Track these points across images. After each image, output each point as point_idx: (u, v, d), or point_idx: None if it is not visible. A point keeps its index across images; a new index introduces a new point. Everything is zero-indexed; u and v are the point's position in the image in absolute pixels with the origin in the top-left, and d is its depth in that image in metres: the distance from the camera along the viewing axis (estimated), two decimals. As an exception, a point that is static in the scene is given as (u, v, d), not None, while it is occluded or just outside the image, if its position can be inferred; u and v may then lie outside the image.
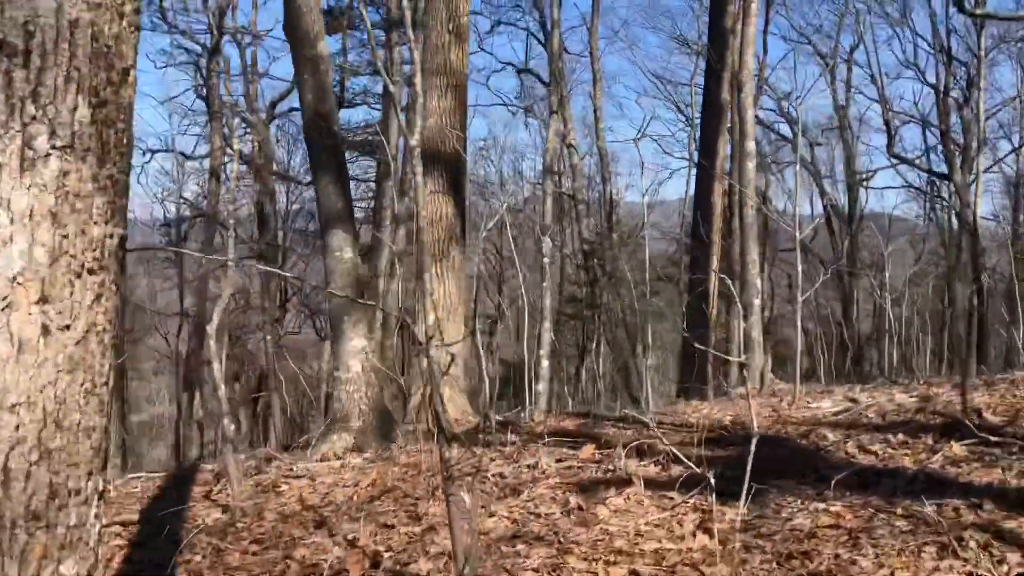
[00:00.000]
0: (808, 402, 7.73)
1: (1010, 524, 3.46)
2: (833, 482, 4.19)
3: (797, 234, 9.46)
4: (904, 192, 30.57)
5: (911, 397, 7.06)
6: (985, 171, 24.66)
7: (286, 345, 22.44)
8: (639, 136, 27.11)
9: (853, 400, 7.50)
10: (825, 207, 28.72)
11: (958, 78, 24.69)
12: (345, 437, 7.18)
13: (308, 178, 19.56)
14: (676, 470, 4.93)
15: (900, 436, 4.95)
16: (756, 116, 29.22)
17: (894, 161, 25.02)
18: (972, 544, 3.29)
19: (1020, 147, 25.92)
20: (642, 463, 5.06)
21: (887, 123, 24.76)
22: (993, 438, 4.48)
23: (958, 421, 4.99)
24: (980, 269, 20.36)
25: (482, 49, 26.59)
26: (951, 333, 24.06)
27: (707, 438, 5.91)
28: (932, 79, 24.40)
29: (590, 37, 21.31)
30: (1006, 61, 32.48)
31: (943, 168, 24.91)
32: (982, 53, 21.01)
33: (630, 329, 22.56)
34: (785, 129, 29.30)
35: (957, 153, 24.05)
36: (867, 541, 3.48)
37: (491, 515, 4.40)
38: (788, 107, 29.79)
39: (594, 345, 21.75)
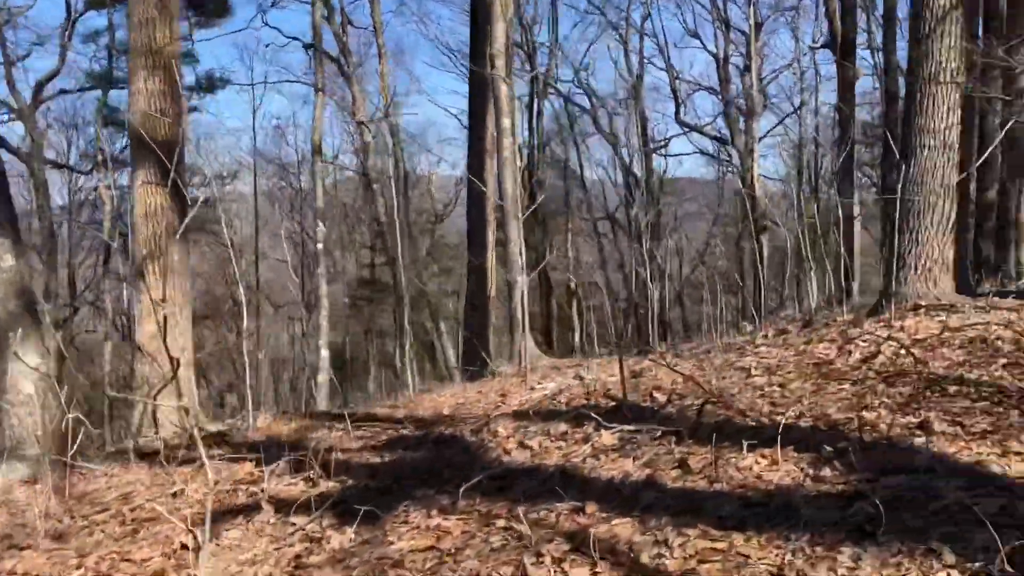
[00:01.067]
0: (538, 383, 7.60)
1: (603, 529, 3.28)
2: (462, 490, 3.93)
3: (517, 213, 9.38)
4: (699, 157, 31.74)
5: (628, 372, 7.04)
6: (766, 135, 25.96)
7: None
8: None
9: (579, 378, 7.42)
10: (626, 176, 29.45)
11: (738, 46, 25.80)
12: (19, 467, 6.38)
13: None
14: (328, 484, 4.56)
15: (563, 426, 4.78)
16: (556, 88, 29.55)
17: (683, 129, 25.86)
18: (547, 560, 3.07)
19: (798, 110, 27.43)
20: (293, 480, 4.65)
21: (674, 91, 25.57)
22: (631, 427, 4.34)
23: (624, 404, 4.88)
24: (759, 230, 21.40)
25: (266, 24, 25.26)
26: (741, 294, 25.28)
27: (391, 438, 5.59)
28: (715, 48, 25.32)
29: (372, 9, 20.58)
30: (784, 29, 34.22)
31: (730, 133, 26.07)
32: (751, 22, 21.89)
33: (432, 310, 22.32)
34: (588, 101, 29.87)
35: (741, 118, 25.22)
36: (451, 567, 3.20)
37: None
38: (585, 78, 30.31)
39: (396, 328, 21.33)
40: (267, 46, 43.06)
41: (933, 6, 6.93)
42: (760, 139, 24.42)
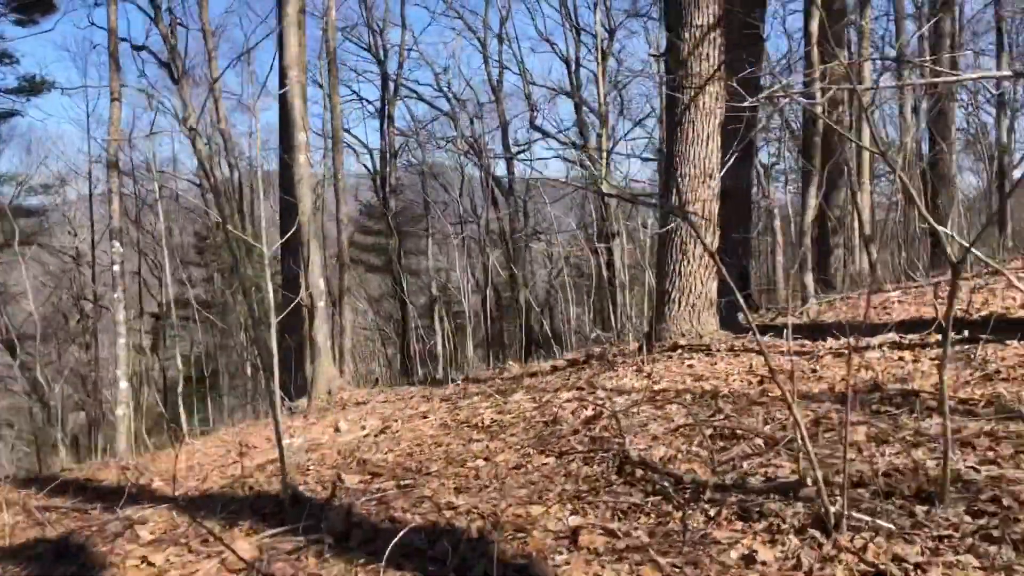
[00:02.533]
0: (341, 427, 6.82)
1: None
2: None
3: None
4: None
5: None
6: (619, 141, 25.92)
7: None
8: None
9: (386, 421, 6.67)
10: (485, 180, 28.98)
11: (591, 49, 25.63)
12: None
13: None
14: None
15: (217, 526, 4.07)
16: (412, 90, 28.75)
17: (535, 135, 25.58)
18: None
19: (650, 116, 27.52)
20: None
21: (527, 96, 25.19)
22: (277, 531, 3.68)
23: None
24: (609, 236, 21.28)
25: (92, 23, 23.50)
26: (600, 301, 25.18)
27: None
28: (567, 53, 25.09)
29: (200, 11, 19.33)
30: (640, 32, 34.43)
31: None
32: (597, 27, 21.72)
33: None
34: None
35: (598, 123, 25.05)
36: None
37: None
38: (443, 82, 29.68)
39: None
40: (94, 47, 40.10)
41: (691, 24, 6.56)
42: (614, 144, 24.33)
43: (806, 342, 5.93)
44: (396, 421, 6.26)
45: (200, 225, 25.80)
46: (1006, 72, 11.06)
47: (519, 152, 29.24)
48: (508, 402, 5.88)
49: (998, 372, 4.31)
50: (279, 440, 3.98)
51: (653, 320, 6.86)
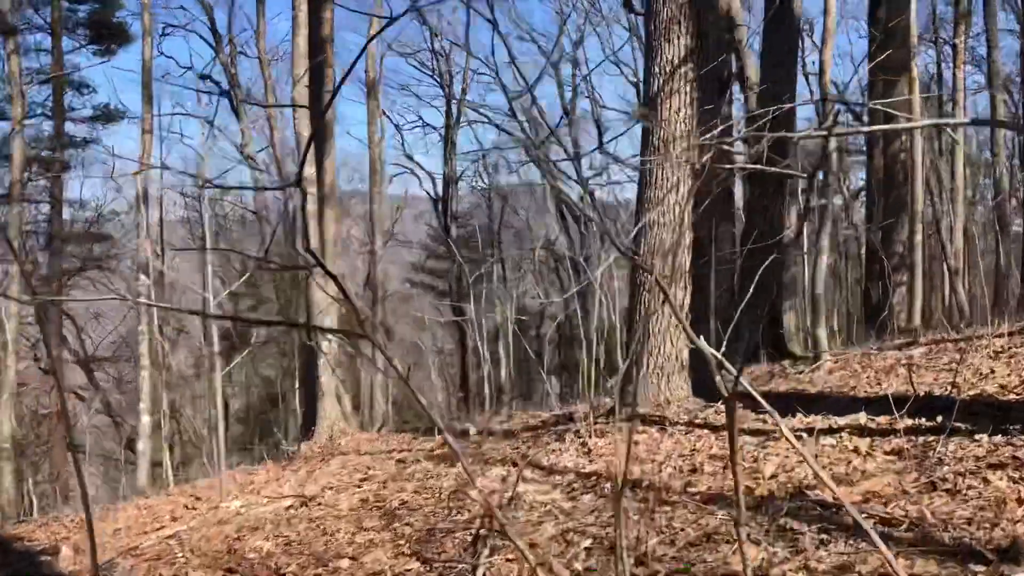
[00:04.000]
0: (244, 493, 6.54)
1: None
2: None
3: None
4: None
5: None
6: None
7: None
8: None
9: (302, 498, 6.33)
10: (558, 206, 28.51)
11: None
12: None
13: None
14: None
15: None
16: (487, 116, 28.51)
17: (608, 158, 24.92)
18: None
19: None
20: None
21: (596, 121, 24.70)
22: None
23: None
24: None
25: (161, 53, 24.13)
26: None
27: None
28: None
29: (257, 41, 19.61)
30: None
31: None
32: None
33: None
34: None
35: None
36: None
37: None
38: (521, 106, 29.38)
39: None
40: (162, 77, 41.05)
41: (661, 61, 5.96)
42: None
43: (775, 416, 5.21)
44: (331, 489, 5.85)
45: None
46: (962, 120, 10.05)
47: (595, 175, 28.64)
48: (437, 475, 5.40)
49: (944, 480, 3.55)
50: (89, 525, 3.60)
51: (622, 381, 6.23)
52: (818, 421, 4.74)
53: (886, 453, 4.10)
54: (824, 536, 3.24)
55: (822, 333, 7.30)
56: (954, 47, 16.10)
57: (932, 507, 3.31)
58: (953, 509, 3.26)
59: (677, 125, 5.86)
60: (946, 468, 3.70)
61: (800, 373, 6.91)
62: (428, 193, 25.87)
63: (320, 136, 12.53)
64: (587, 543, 3.56)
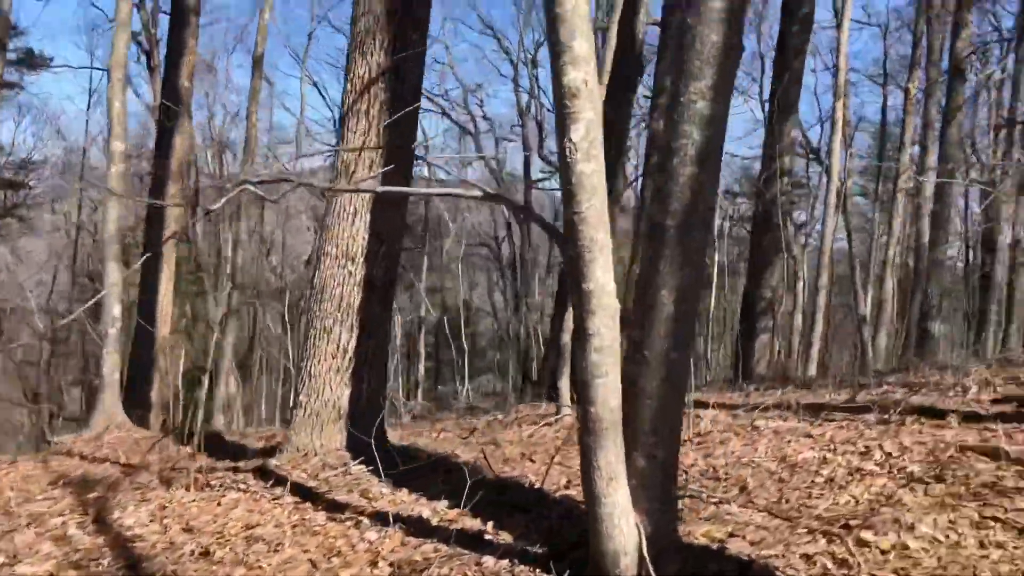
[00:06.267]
0: None
1: None
2: None
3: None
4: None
5: None
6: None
7: None
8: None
9: None
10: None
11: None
12: None
13: None
14: None
15: None
16: (441, 107, 28.04)
17: (546, 164, 24.43)
18: None
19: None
20: None
21: (539, 124, 24.16)
22: None
23: None
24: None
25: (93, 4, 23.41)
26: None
27: None
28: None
29: None
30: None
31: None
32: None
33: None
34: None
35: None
36: None
37: None
38: (473, 101, 28.93)
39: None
40: (93, 29, 38.83)
41: (353, 77, 5.39)
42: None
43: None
44: None
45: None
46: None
47: (541, 179, 28.01)
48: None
49: None
50: None
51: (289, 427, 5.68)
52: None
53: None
54: None
55: (564, 383, 6.73)
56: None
57: None
58: None
59: (358, 152, 5.27)
60: None
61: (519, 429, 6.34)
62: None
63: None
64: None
